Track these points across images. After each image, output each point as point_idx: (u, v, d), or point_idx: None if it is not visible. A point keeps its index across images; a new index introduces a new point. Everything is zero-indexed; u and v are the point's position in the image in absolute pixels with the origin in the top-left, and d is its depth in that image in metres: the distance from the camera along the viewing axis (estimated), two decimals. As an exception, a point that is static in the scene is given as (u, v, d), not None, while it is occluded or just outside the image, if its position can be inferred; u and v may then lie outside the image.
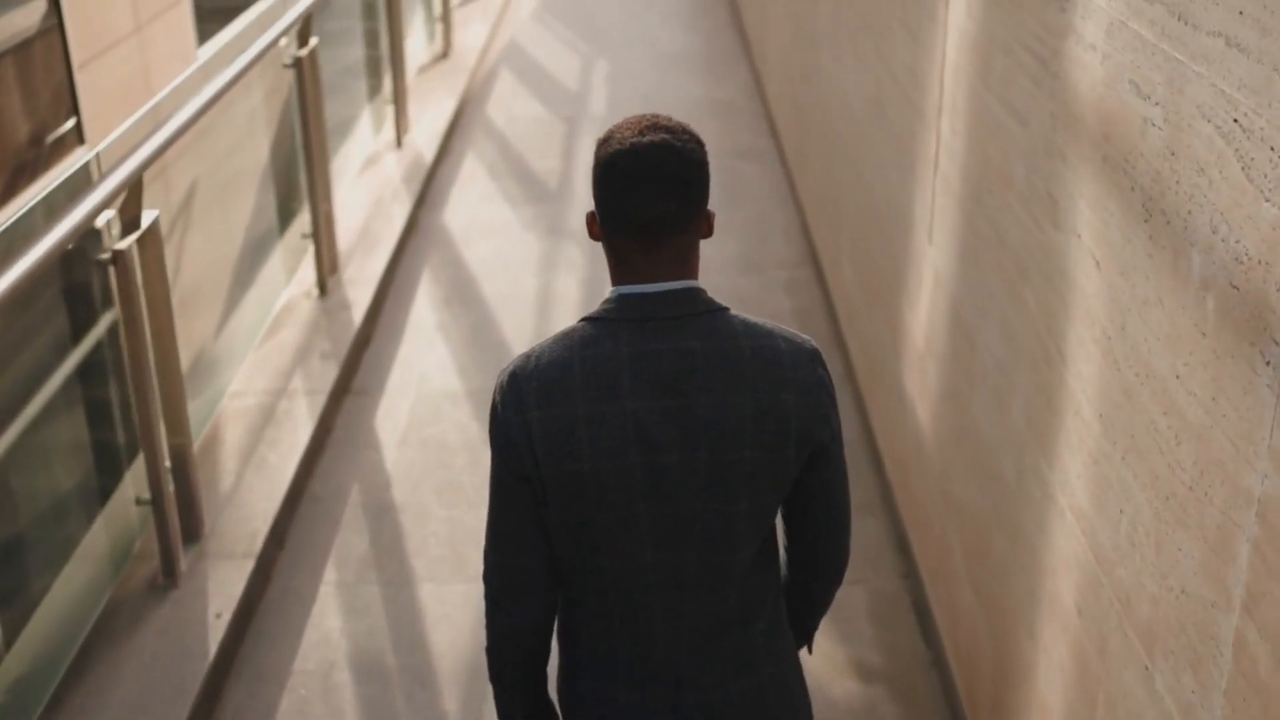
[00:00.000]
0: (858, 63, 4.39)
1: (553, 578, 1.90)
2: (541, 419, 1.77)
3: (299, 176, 5.15)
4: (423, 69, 8.20)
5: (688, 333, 1.78)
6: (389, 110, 6.82)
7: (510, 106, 7.87)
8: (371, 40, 6.93)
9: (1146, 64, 1.90)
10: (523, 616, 1.90)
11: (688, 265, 1.80)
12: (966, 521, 3.01)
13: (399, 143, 6.77)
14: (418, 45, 8.39)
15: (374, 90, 6.91)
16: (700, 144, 1.79)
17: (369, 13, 6.89)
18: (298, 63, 4.81)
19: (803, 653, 2.13)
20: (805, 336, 1.87)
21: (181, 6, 8.06)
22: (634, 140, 1.75)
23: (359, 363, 4.85)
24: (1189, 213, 1.77)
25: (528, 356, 1.82)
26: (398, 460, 4.28)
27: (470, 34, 9.06)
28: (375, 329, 5.11)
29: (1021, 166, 2.53)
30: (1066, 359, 2.29)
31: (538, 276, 5.56)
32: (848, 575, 2.10)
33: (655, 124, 1.77)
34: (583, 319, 1.82)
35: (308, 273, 5.19)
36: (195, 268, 4.87)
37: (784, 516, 1.96)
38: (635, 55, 8.77)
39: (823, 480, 1.88)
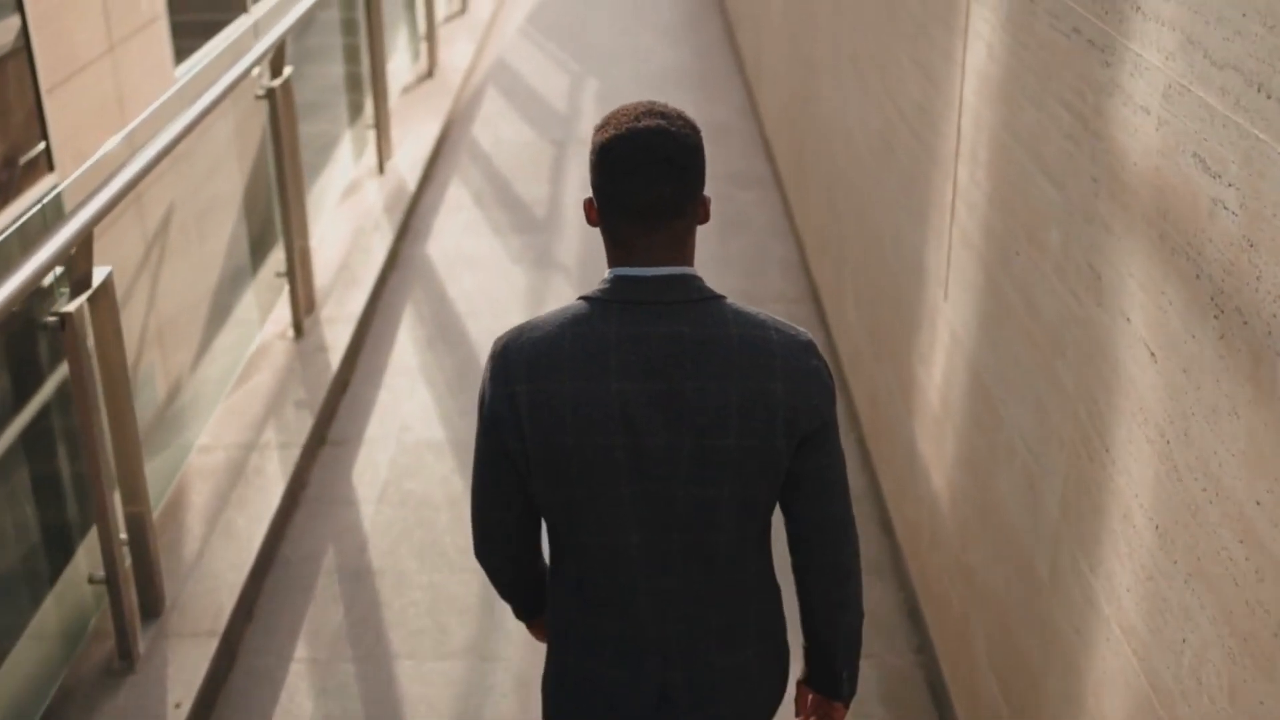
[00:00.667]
0: (862, 94, 4.15)
1: (529, 532, 1.95)
2: (528, 392, 1.79)
3: (275, 211, 4.90)
4: (407, 89, 7.95)
5: (679, 318, 1.79)
6: (371, 135, 6.56)
7: (497, 129, 7.62)
8: (352, 60, 6.68)
9: (1215, 137, 1.66)
10: (499, 560, 1.99)
11: (684, 250, 1.82)
12: (990, 607, 2.76)
13: (381, 169, 6.52)
14: (401, 64, 8.14)
15: (355, 114, 6.65)
16: (696, 130, 1.81)
17: (349, 32, 6.64)
18: (270, 94, 4.56)
19: None
20: (801, 329, 1.87)
21: (157, 24, 7.80)
22: (630, 125, 1.77)
23: (336, 410, 4.60)
24: (1274, 315, 1.52)
25: (521, 329, 1.84)
26: (376, 519, 4.02)
27: (456, 52, 8.81)
28: (354, 373, 4.85)
29: (1057, 231, 2.29)
30: (1113, 454, 2.04)
31: (525, 313, 5.30)
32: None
33: (651, 110, 1.79)
34: (580, 297, 1.84)
35: (283, 312, 4.93)
36: (162, 311, 4.61)
37: (782, 508, 1.93)
38: (625, 73, 8.53)
39: (813, 468, 1.86)
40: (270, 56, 4.57)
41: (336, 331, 4.92)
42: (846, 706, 2.06)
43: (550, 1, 10.78)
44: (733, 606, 1.92)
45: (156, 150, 3.54)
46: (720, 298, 1.83)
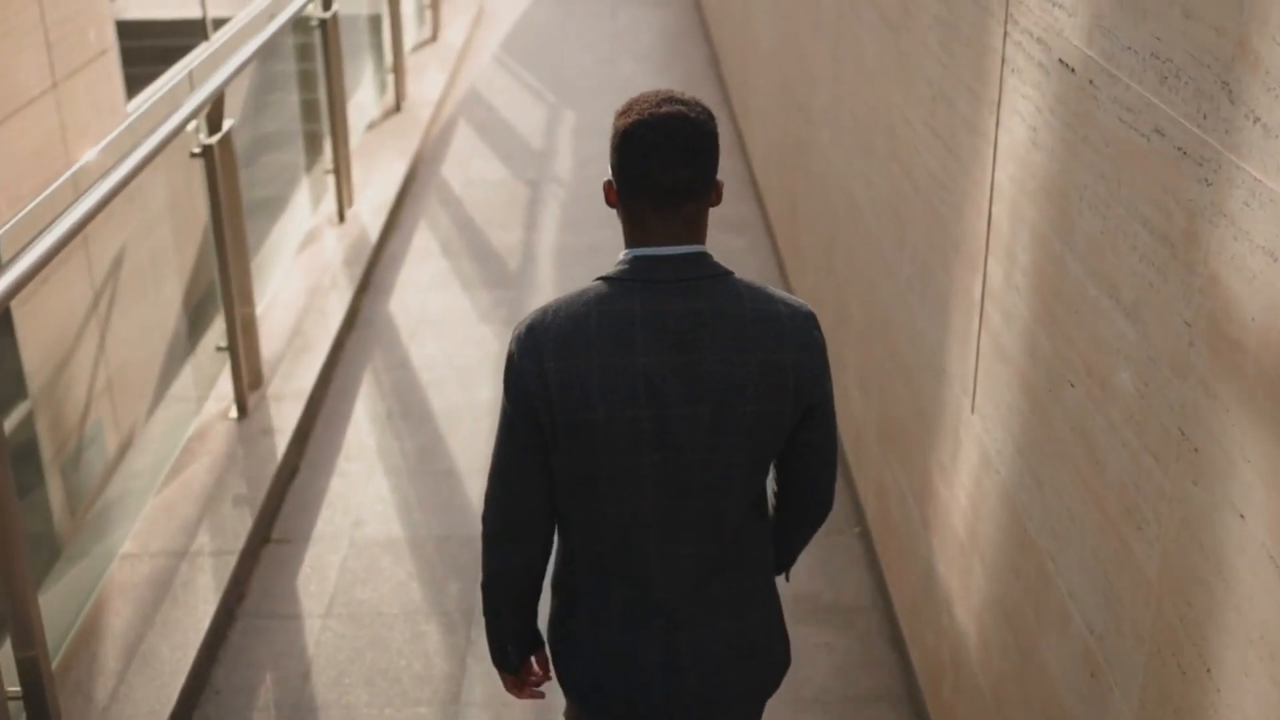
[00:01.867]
0: (865, 155, 3.72)
1: (550, 522, 2.01)
2: (558, 369, 1.86)
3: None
4: (373, 125, 7.49)
5: (696, 294, 1.88)
6: (330, 180, 6.10)
7: (468, 168, 7.16)
8: (308, 95, 6.22)
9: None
10: (520, 556, 2.00)
11: (698, 231, 1.91)
12: (1036, 795, 2.32)
13: (341, 217, 6.06)
14: (367, 98, 7.68)
15: (312, 158, 6.19)
16: (712, 117, 1.89)
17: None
18: (207, 152, 4.10)
19: None
20: (801, 301, 1.97)
21: (107, 57, 7.32)
22: (652, 111, 1.85)
23: (281, 503, 4.13)
24: None
25: (544, 311, 1.91)
26: (322, 637, 3.55)
27: (426, 83, 8.35)
28: (303, 458, 4.39)
29: (1130, 375, 1.85)
30: (1218, 680, 1.60)
31: (494, 384, 4.85)
32: None
33: (671, 97, 1.88)
34: (598, 278, 1.91)
35: (225, 388, 4.46)
36: (87, 393, 4.15)
37: (778, 470, 2.07)
38: (605, 105, 8.08)
39: (815, 438, 1.99)
40: (207, 110, 4.11)
41: (285, 410, 4.45)
42: (787, 578, 2.31)
43: (527, 26, 10.33)
44: (737, 574, 2.03)
45: (81, 213, 3.11)
46: (730, 274, 1.93)
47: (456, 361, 5.01)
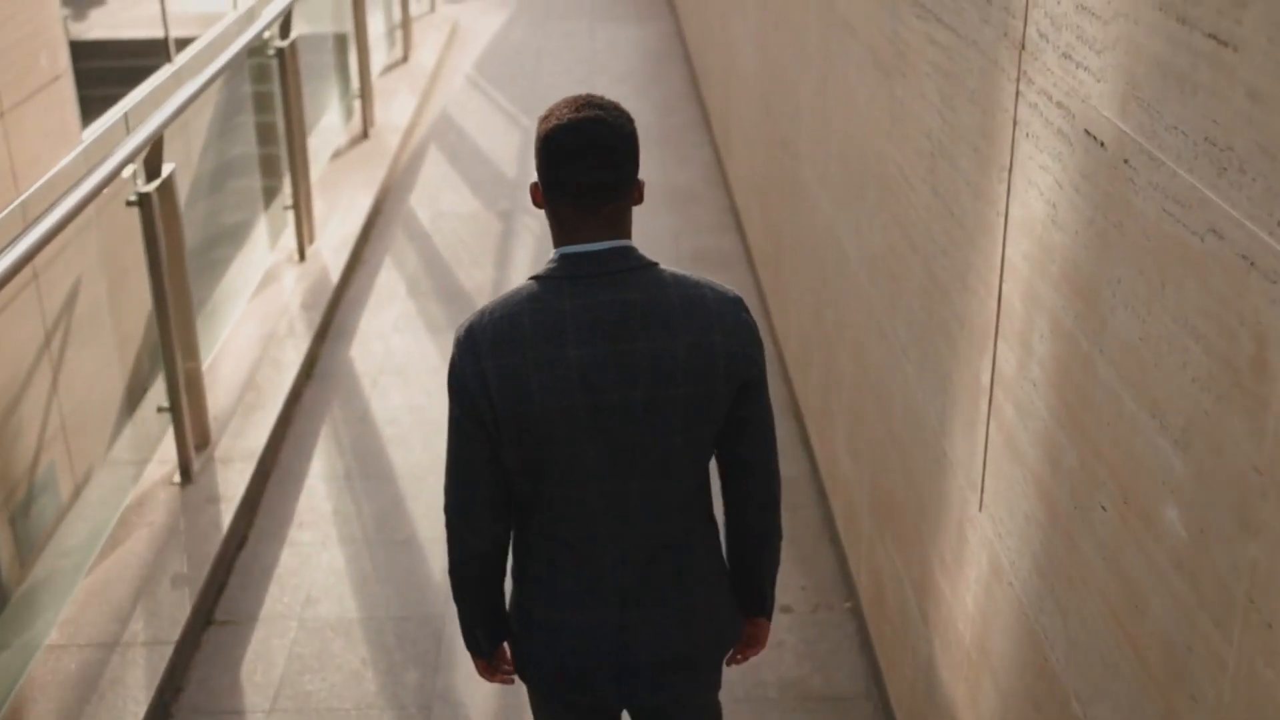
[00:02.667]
0: (857, 204, 3.43)
1: (505, 509, 2.09)
2: (495, 367, 1.95)
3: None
4: (338, 154, 7.18)
5: (623, 285, 1.97)
6: (290, 216, 5.79)
7: (437, 199, 6.86)
8: (267, 135, 5.92)
9: None
10: (479, 543, 2.09)
11: (621, 227, 2.00)
12: None
13: (301, 255, 5.75)
14: (333, 124, 7.38)
15: (271, 193, 5.88)
16: (630, 120, 1.99)
17: (262, 110, 5.88)
18: (143, 201, 3.79)
19: None
20: (729, 287, 2.06)
21: (60, 83, 7.00)
22: (570, 116, 1.94)
23: (226, 579, 3.82)
24: None
25: (481, 313, 2.00)
26: (265, 737, 3.25)
27: (395, 108, 8.05)
28: (251, 527, 4.07)
29: (1180, 515, 1.56)
30: None
31: (460, 439, 4.54)
32: None
33: (589, 102, 1.97)
34: (530, 278, 2.01)
35: (169, 451, 4.15)
36: (10, 462, 3.84)
37: (718, 454, 2.13)
38: (581, 130, 7.78)
39: (750, 413, 2.07)
40: (145, 154, 3.81)
41: (233, 474, 4.14)
42: (769, 620, 2.30)
43: (502, 46, 10.04)
44: (683, 552, 2.11)
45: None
46: (656, 265, 2.02)
47: (421, 414, 4.71)
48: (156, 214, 3.82)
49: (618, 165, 1.96)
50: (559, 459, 1.99)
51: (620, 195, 1.98)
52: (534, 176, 2.01)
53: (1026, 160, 2.08)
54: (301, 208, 5.70)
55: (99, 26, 10.86)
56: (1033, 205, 2.05)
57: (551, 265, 2.01)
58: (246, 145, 5.87)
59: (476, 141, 7.80)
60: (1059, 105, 1.93)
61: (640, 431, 1.99)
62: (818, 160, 4.01)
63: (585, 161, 1.93)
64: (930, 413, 2.72)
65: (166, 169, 3.89)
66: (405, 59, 9.15)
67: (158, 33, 8.87)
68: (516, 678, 2.28)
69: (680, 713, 2.28)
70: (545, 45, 10.02)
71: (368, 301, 5.62)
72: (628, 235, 2.01)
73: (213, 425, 4.34)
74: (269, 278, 5.56)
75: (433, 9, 10.77)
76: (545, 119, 1.98)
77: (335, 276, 5.63)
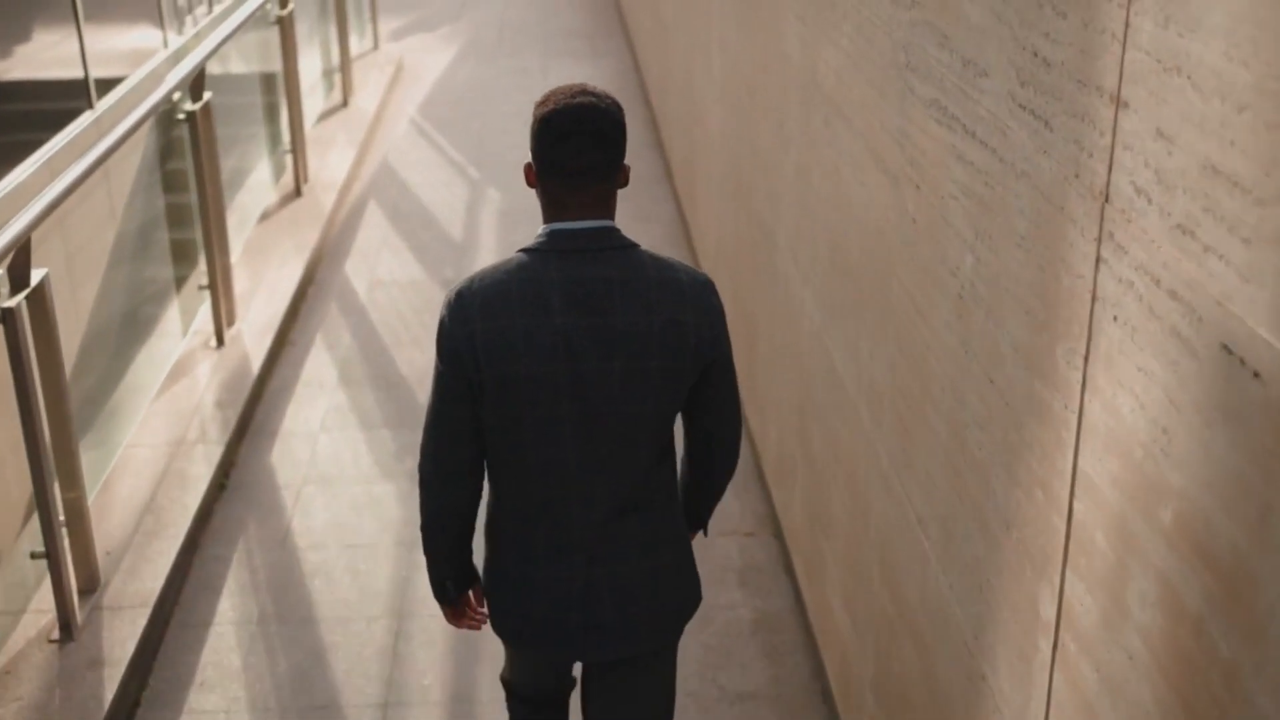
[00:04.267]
0: (848, 318, 2.89)
1: (479, 466, 2.24)
2: (484, 330, 2.11)
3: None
4: (267, 214, 6.58)
5: (606, 263, 2.14)
6: (207, 296, 5.18)
7: (375, 265, 6.27)
8: (177, 204, 5.30)
9: None
10: (450, 498, 2.25)
11: (608, 208, 2.17)
12: None
13: (219, 340, 5.14)
14: (262, 181, 6.78)
15: (183, 272, 5.28)
16: (620, 108, 2.15)
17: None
18: (6, 317, 3.19)
19: None
20: (702, 271, 2.24)
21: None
22: (567, 101, 2.10)
23: (109, 766, 3.21)
24: None
25: (471, 280, 2.17)
26: None
27: (331, 161, 7.45)
28: (145, 688, 3.46)
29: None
30: None
31: (395, 569, 3.95)
32: None
33: (584, 89, 2.14)
34: (520, 250, 2.17)
35: (47, 598, 3.54)
36: None
37: (686, 427, 2.34)
38: (534, 183, 7.22)
39: (716, 391, 2.25)
40: (11, 257, 3.21)
41: (123, 626, 3.53)
42: (704, 533, 2.58)
43: (449, 87, 9.47)
44: (649, 515, 2.27)
45: None
46: (637, 245, 2.18)
47: (349, 534, 4.12)
48: (24, 330, 3.22)
49: (608, 148, 2.11)
50: (537, 420, 2.13)
51: (609, 177, 2.13)
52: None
53: (1115, 354, 1.54)
54: (219, 287, 5.09)
55: (23, 65, 10.19)
56: (1128, 419, 1.50)
57: (540, 239, 2.15)
58: (157, 217, 5.26)
59: (420, 197, 7.22)
60: (1173, 295, 1.38)
61: (614, 399, 2.13)
62: (801, 256, 3.46)
63: (579, 143, 2.09)
64: (959, 614, 2.17)
65: (36, 276, 3.30)
66: (345, 103, 8.55)
67: (77, 73, 8.25)
68: (486, 626, 2.41)
69: (638, 674, 2.41)
70: (495, 84, 9.46)
71: (293, 393, 5.02)
72: (612, 216, 2.18)
73: (102, 562, 3.74)
74: (180, 369, 4.96)
75: (376, 46, 10.18)
76: (543, 103, 2.13)
77: (257, 364, 5.03)
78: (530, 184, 2.17)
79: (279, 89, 6.91)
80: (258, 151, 6.85)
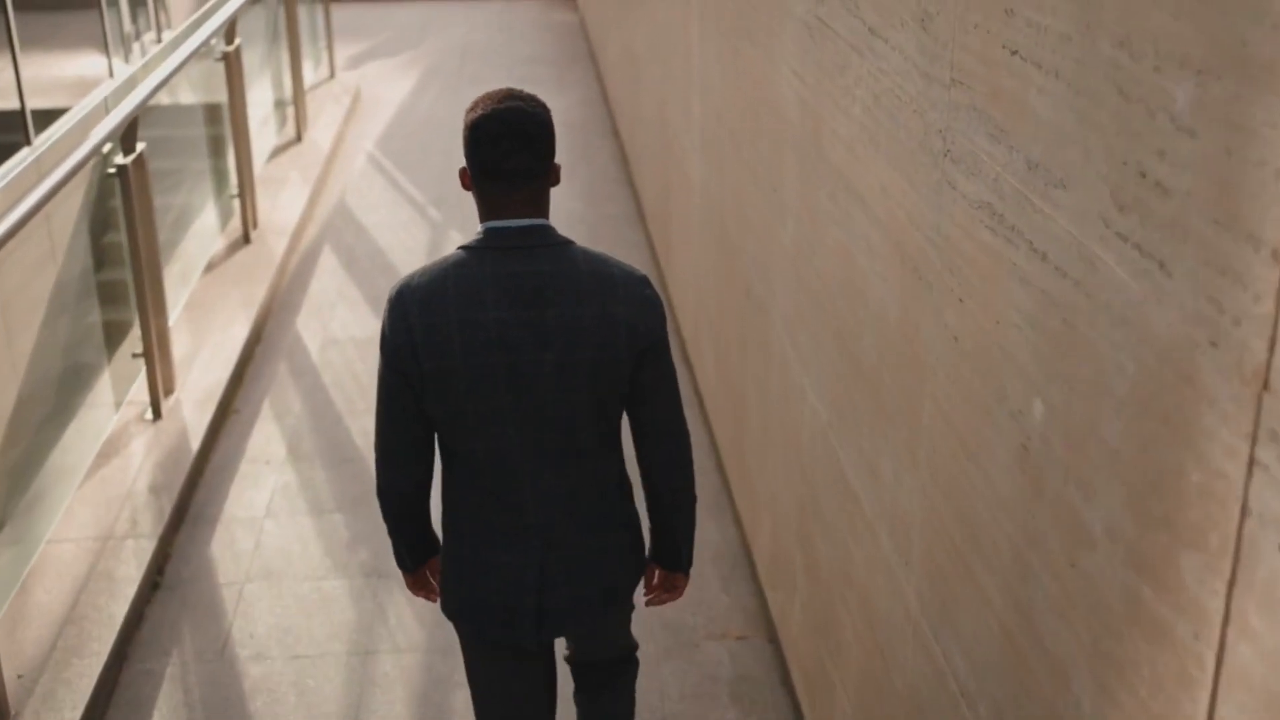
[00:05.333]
0: (864, 430, 2.51)
1: (426, 453, 2.33)
2: (422, 325, 2.19)
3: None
4: (213, 265, 6.14)
5: (540, 258, 2.23)
6: (142, 364, 4.74)
7: (329, 320, 5.84)
8: (109, 255, 4.88)
9: None
10: (401, 482, 2.35)
11: (540, 206, 2.27)
12: None
13: (156, 412, 4.71)
14: (207, 228, 6.34)
15: (114, 337, 4.84)
16: (547, 110, 2.27)
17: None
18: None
19: None
20: (637, 268, 2.37)
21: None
22: (494, 106, 2.21)
23: None
24: None
25: (410, 277, 2.26)
26: None
27: (283, 202, 7.01)
28: None
29: None
30: None
31: (345, 691, 3.53)
32: None
33: (511, 94, 2.24)
34: (458, 248, 2.26)
35: (-52, 737, 3.10)
36: None
37: (630, 415, 2.38)
38: (498, 225, 6.81)
39: (652, 378, 2.32)
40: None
41: (33, 768, 3.09)
42: (687, 576, 2.59)
43: (409, 118, 9.05)
44: (597, 498, 2.38)
45: None
46: (571, 242, 2.28)
47: (297, 642, 3.69)
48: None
49: (536, 150, 2.20)
50: (479, 411, 2.23)
51: (539, 176, 2.23)
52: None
53: (1273, 582, 1.15)
54: (155, 355, 4.66)
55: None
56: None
57: (477, 237, 2.25)
58: (88, 277, 4.83)
59: (378, 240, 6.80)
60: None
61: (550, 389, 2.22)
62: (802, 341, 3.08)
63: (508, 146, 2.18)
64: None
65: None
66: (298, 138, 8.11)
67: (16, 103, 7.79)
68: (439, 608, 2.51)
69: (597, 646, 2.63)
70: (458, 116, 9.04)
71: (237, 471, 4.59)
72: (546, 214, 2.28)
73: (13, 689, 3.30)
74: (111, 446, 4.52)
75: (332, 75, 9.75)
76: (472, 109, 2.23)
77: (197, 439, 4.59)
78: (465, 187, 2.28)
79: (227, 125, 6.47)
80: (203, 194, 6.41)
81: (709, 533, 4.19)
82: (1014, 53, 1.71)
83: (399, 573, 4.00)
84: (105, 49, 10.33)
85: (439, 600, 2.49)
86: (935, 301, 2.08)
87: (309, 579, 3.99)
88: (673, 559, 2.54)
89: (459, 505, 2.36)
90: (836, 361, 2.75)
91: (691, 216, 4.96)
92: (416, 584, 2.57)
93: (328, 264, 6.49)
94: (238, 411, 4.99)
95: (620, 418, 2.37)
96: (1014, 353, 1.76)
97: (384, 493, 2.38)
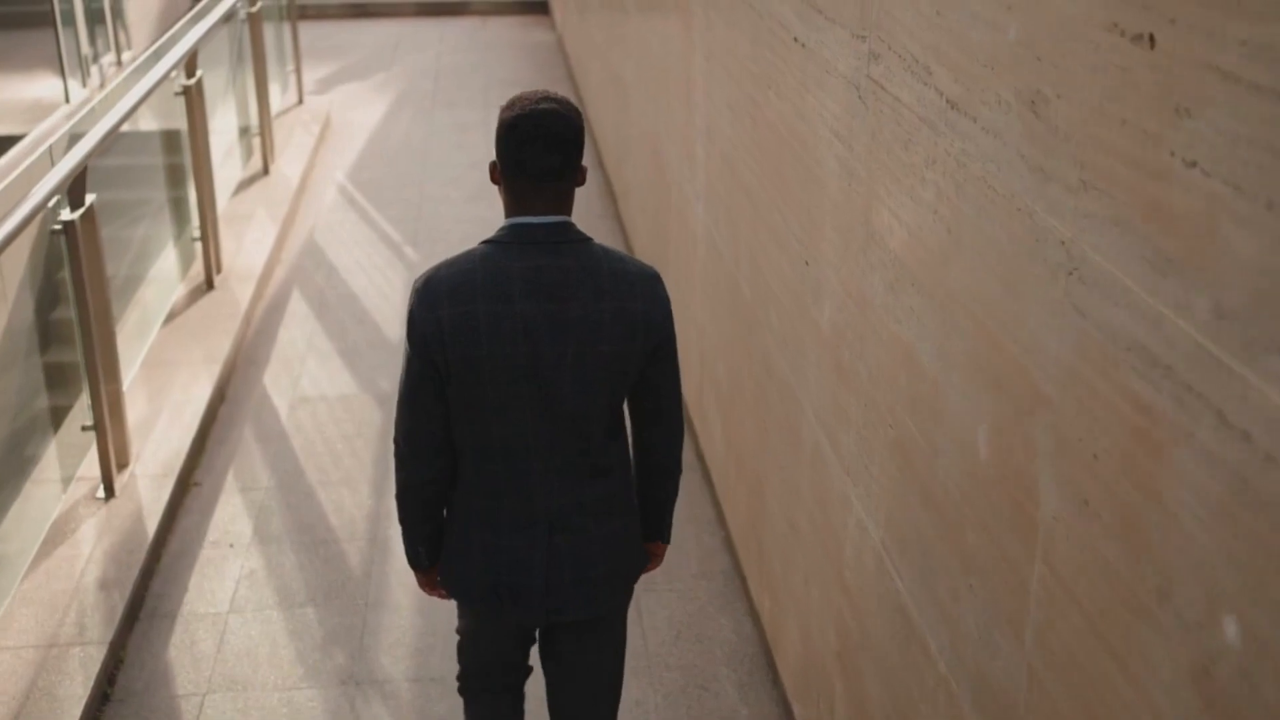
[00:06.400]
0: (931, 563, 2.12)
1: (449, 444, 2.41)
2: (450, 315, 2.27)
3: None
4: (173, 316, 5.69)
5: (563, 254, 2.31)
6: (92, 436, 4.30)
7: (298, 377, 5.41)
8: (56, 323, 4.44)
9: None
10: (424, 472, 2.41)
11: (565, 204, 2.34)
12: None
13: (109, 489, 4.27)
14: (166, 274, 5.90)
15: (59, 409, 4.40)
16: (579, 113, 2.32)
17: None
18: None
19: None
20: (649, 264, 2.46)
21: None
22: (531, 107, 2.28)
23: None
24: None
25: (438, 268, 2.34)
26: None
27: (248, 243, 6.57)
28: None
29: None
30: None
31: (320, 821, 3.10)
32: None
33: (548, 96, 2.31)
34: (482, 242, 2.35)
35: None
36: None
37: (632, 410, 2.49)
38: (479, 266, 6.40)
39: (662, 371, 2.42)
40: None
41: None
42: (666, 544, 2.69)
43: (382, 146, 8.63)
44: (603, 485, 2.45)
45: None
46: (591, 240, 2.35)
47: (263, 771, 3.26)
48: None
49: (567, 152, 2.29)
50: (500, 400, 2.31)
51: (567, 177, 2.32)
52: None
53: None
54: (106, 426, 4.22)
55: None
56: None
57: (502, 232, 2.33)
58: (29, 340, 4.39)
59: (350, 283, 6.37)
60: None
61: (569, 381, 2.32)
62: (844, 444, 2.69)
63: (540, 146, 2.27)
64: None
65: None
66: (265, 170, 7.67)
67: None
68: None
69: (595, 633, 2.59)
70: (432, 143, 8.63)
71: (197, 557, 4.15)
72: (569, 212, 2.35)
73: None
74: (58, 532, 4.08)
75: (300, 100, 9.32)
76: (508, 108, 2.31)
77: (153, 521, 4.16)
78: (494, 181, 2.36)
79: (186, 154, 6.02)
80: (162, 235, 5.97)
81: (721, 628, 3.79)
82: (1192, 164, 1.33)
83: (378, 679, 3.59)
84: (61, 71, 9.85)
85: (440, 579, 2.55)
86: (1050, 446, 1.69)
87: (278, 688, 3.56)
88: (657, 529, 2.63)
89: (470, 493, 2.42)
90: (896, 480, 2.36)
91: (694, 267, 4.57)
92: (429, 582, 2.62)
93: (297, 311, 6.05)
94: (198, 485, 4.56)
95: (624, 407, 2.46)
96: (1188, 546, 1.37)
97: (405, 489, 2.44)
